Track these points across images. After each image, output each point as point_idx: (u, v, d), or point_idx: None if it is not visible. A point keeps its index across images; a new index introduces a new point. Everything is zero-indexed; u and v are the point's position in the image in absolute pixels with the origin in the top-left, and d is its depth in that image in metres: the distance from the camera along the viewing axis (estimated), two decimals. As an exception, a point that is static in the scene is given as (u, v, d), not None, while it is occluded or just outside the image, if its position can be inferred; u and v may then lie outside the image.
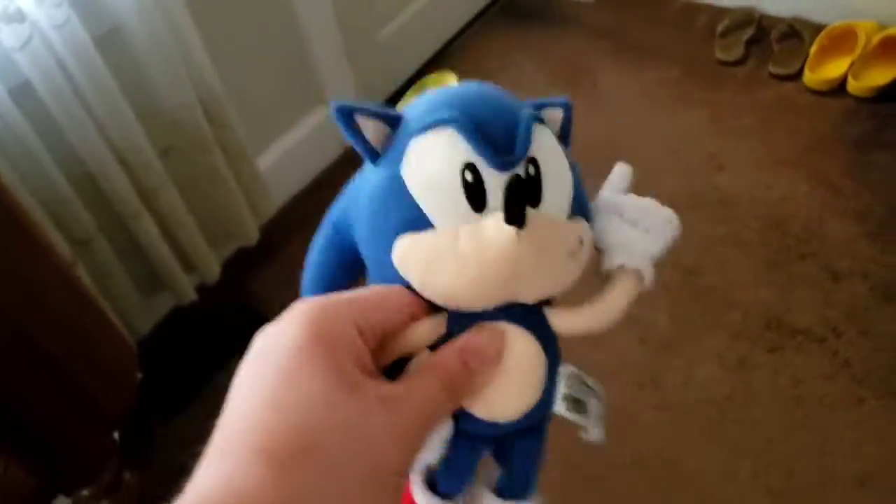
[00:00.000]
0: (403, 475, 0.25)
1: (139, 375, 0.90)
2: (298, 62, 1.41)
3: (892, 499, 0.93)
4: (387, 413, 0.24)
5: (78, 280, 0.87)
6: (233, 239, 1.29)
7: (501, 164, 0.27)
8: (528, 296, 0.29)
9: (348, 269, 0.31)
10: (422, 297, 0.28)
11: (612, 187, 0.33)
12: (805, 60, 1.52)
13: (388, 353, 0.28)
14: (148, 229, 1.07)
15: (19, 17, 0.85)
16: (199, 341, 1.23)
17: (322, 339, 0.24)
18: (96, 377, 0.82)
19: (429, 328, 0.28)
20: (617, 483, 0.98)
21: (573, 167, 0.30)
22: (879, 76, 1.43)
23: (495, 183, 0.27)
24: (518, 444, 0.32)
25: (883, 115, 1.41)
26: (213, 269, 1.23)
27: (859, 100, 1.45)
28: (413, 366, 0.29)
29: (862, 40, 1.47)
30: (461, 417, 0.30)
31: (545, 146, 0.29)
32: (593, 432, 0.32)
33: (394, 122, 0.29)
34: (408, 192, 0.27)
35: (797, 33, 1.58)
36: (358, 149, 0.29)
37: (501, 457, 0.33)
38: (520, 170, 0.27)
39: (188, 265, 1.18)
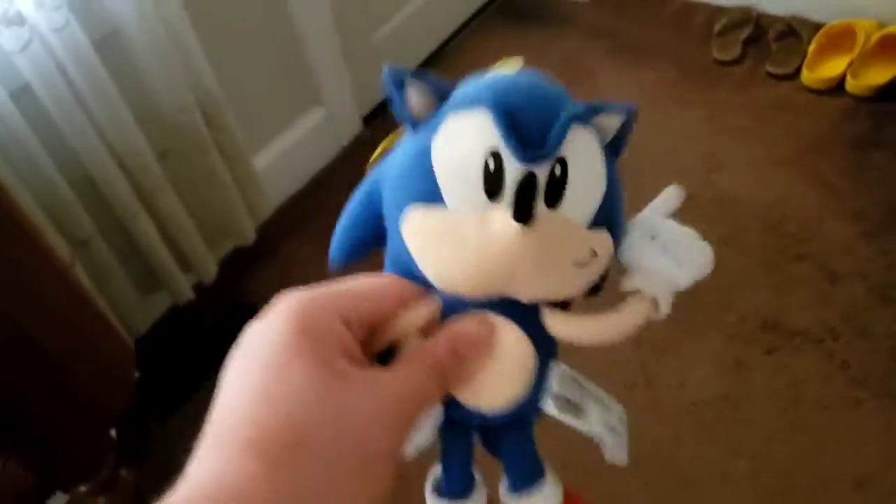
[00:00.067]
0: (394, 461, 0.25)
1: (136, 374, 0.90)
2: (295, 63, 1.41)
3: (889, 500, 0.93)
4: (375, 400, 0.24)
5: (76, 280, 0.87)
6: (230, 239, 1.29)
7: (525, 157, 0.26)
8: (524, 294, 0.28)
9: (376, 236, 0.31)
10: (415, 284, 0.29)
11: (656, 208, 0.32)
12: (803, 59, 1.51)
13: (380, 340, 0.28)
14: (146, 230, 1.08)
15: (19, 20, 0.86)
16: (196, 340, 1.24)
17: (309, 333, 0.25)
18: (94, 375, 0.82)
19: (420, 314, 0.29)
20: (611, 484, 0.98)
21: (613, 179, 0.29)
22: (878, 75, 1.43)
23: (515, 175, 0.26)
24: (506, 439, 0.33)
25: (882, 114, 1.41)
26: (210, 268, 1.23)
27: (858, 99, 1.44)
28: (404, 352, 0.29)
29: (860, 39, 1.46)
30: (450, 405, 0.31)
31: (580, 149, 0.27)
32: (610, 452, 0.31)
33: (444, 94, 0.29)
34: (431, 165, 0.27)
35: (795, 32, 1.57)
36: (400, 116, 0.29)
37: (493, 451, 0.34)
38: (545, 167, 0.27)
39: (185, 265, 1.19)
